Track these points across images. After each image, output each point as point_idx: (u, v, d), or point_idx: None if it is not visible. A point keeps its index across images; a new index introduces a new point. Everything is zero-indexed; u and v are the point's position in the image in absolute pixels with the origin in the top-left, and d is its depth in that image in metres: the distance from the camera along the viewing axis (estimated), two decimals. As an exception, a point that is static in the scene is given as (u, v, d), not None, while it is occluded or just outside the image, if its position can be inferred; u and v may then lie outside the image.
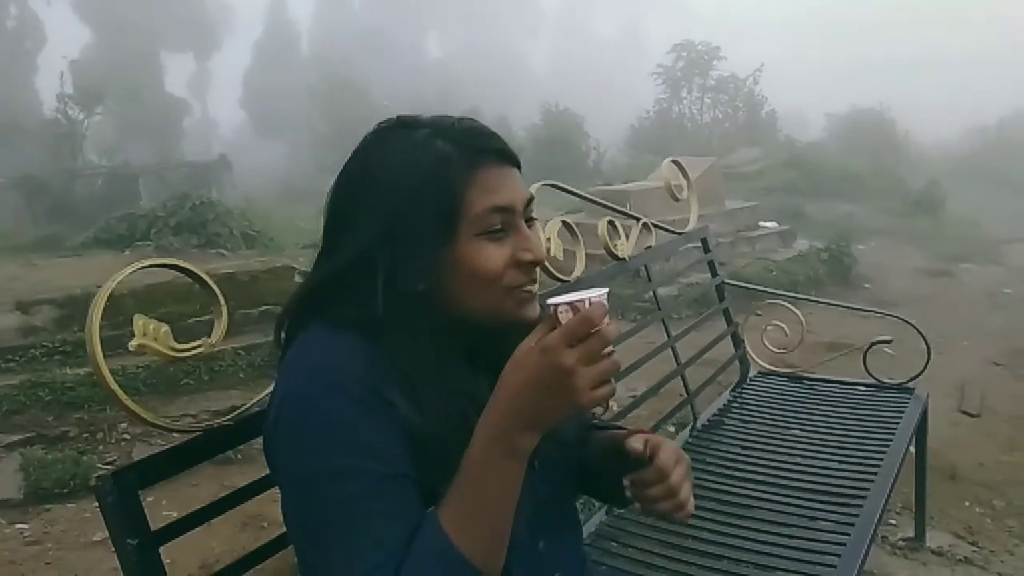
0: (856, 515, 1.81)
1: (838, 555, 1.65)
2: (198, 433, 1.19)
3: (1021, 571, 2.72)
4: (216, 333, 1.23)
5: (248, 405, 1.26)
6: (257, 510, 2.66)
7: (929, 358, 2.66)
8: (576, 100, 15.96)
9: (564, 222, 1.92)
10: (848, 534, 1.73)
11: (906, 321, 2.80)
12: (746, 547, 1.71)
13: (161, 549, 1.09)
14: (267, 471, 1.26)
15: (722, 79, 17.84)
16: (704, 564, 1.66)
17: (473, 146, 0.89)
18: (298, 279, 4.39)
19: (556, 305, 0.79)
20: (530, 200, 0.92)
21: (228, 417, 1.23)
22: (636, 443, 0.96)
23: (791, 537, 1.74)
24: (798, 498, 1.92)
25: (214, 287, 1.24)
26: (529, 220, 0.93)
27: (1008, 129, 20.02)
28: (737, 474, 2.07)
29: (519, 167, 0.93)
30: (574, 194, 2.16)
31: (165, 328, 1.14)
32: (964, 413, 4.09)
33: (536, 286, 0.93)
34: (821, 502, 1.89)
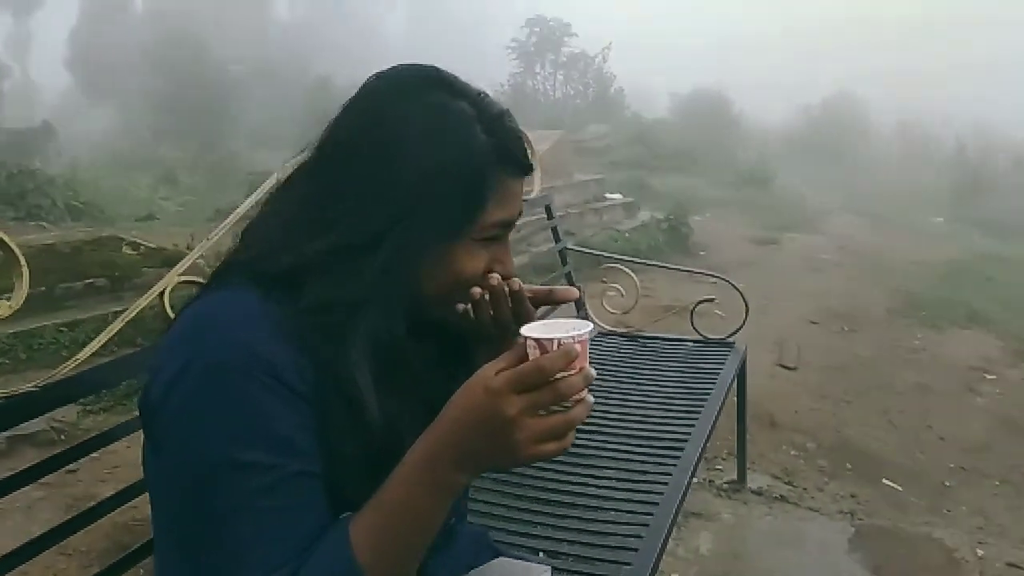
0: (678, 458, 1.95)
1: (661, 494, 1.78)
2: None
3: (829, 505, 3.04)
4: (16, 296, 1.16)
5: (55, 373, 1.19)
6: (85, 492, 2.52)
7: (747, 315, 2.90)
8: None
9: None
10: (671, 474, 1.87)
11: (729, 283, 3.03)
12: (581, 492, 1.81)
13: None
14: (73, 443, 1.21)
15: (573, 56, 18.27)
16: (543, 510, 1.74)
17: (509, 151, 0.83)
18: (128, 251, 4.11)
19: (527, 338, 0.71)
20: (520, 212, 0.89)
21: (33, 384, 1.16)
22: None
23: (621, 480, 1.86)
24: (628, 446, 2.05)
25: (12, 246, 1.16)
26: None
27: (831, 108, 21.79)
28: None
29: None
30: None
31: (-46, 291, 1.06)
32: (782, 367, 4.48)
33: None
34: (648, 449, 2.02)
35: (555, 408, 0.70)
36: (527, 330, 0.72)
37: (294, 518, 0.74)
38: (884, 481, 3.33)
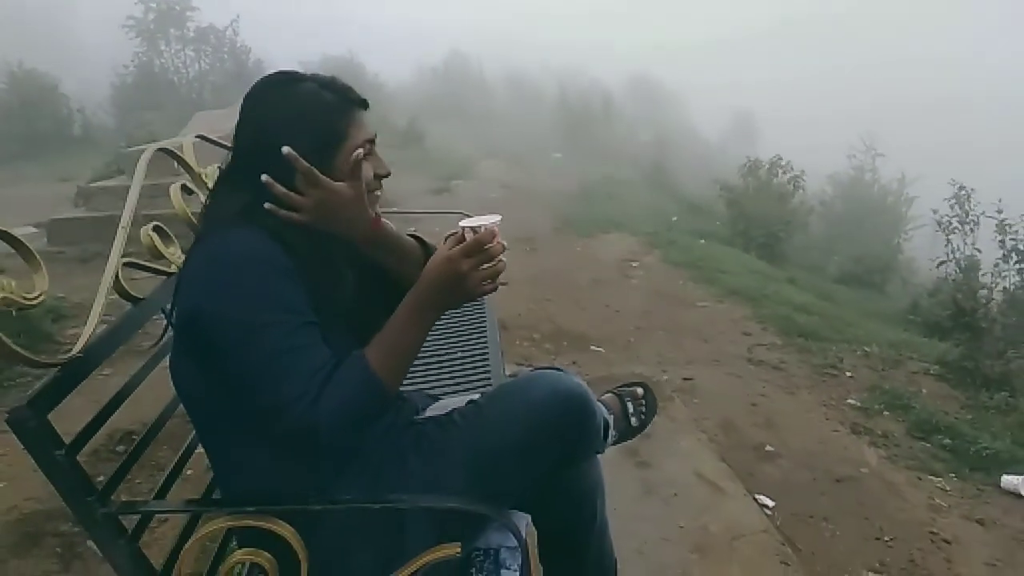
0: (487, 355, 2.60)
1: (489, 381, 2.40)
2: (63, 362, 1.36)
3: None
4: (39, 284, 1.39)
5: (77, 345, 1.41)
6: None
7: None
8: (40, 59, 13.99)
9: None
10: (488, 364, 2.51)
11: (467, 215, 3.77)
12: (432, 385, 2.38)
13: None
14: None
15: (202, 30, 17.38)
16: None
17: (347, 97, 1.27)
18: None
19: (464, 227, 1.16)
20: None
21: (79, 349, 1.42)
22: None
23: (463, 370, 2.47)
24: (456, 349, 2.65)
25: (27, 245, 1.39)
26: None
27: (450, 67, 23.71)
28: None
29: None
30: (222, 145, 2.31)
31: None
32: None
33: (381, 190, 1.35)
34: (470, 351, 2.64)
35: (488, 265, 1.17)
36: (464, 223, 1.17)
37: (309, 353, 1.13)
38: (592, 348, 4.40)
